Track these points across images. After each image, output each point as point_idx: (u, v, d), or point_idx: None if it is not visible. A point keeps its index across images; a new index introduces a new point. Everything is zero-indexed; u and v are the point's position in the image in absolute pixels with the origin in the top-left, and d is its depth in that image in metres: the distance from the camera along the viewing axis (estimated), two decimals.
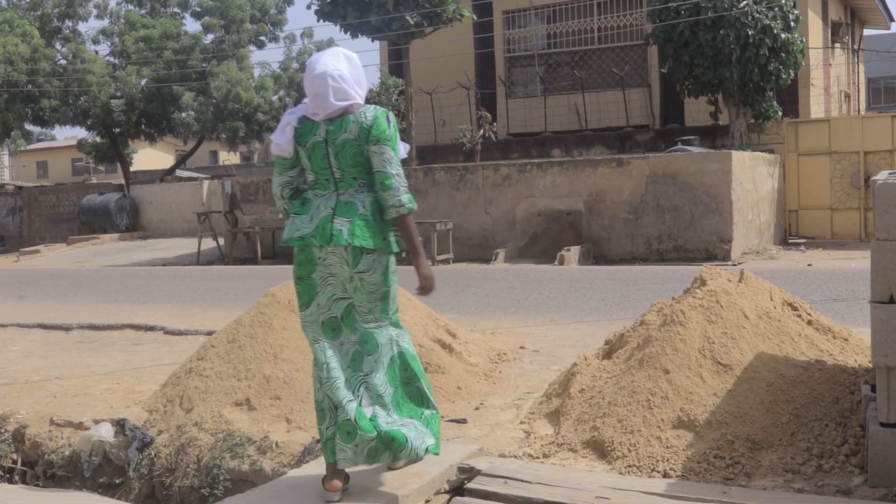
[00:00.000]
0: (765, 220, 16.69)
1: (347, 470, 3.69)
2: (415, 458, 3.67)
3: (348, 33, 20.21)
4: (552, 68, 23.24)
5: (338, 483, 3.60)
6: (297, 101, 29.80)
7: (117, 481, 5.08)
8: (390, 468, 3.85)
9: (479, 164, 17.61)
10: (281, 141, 3.67)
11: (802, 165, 17.97)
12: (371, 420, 3.54)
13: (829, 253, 15.19)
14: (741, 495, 3.59)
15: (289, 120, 3.69)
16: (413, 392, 3.68)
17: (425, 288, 3.72)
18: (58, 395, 6.02)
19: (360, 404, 3.55)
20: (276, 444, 4.70)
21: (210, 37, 28.93)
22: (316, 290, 3.68)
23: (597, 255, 15.54)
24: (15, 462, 5.47)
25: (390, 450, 3.56)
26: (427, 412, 3.70)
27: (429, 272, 3.71)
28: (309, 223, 3.64)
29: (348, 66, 3.63)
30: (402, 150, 3.72)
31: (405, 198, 3.60)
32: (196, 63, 27.44)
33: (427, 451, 3.64)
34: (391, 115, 3.66)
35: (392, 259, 3.69)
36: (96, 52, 29.20)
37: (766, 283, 4.96)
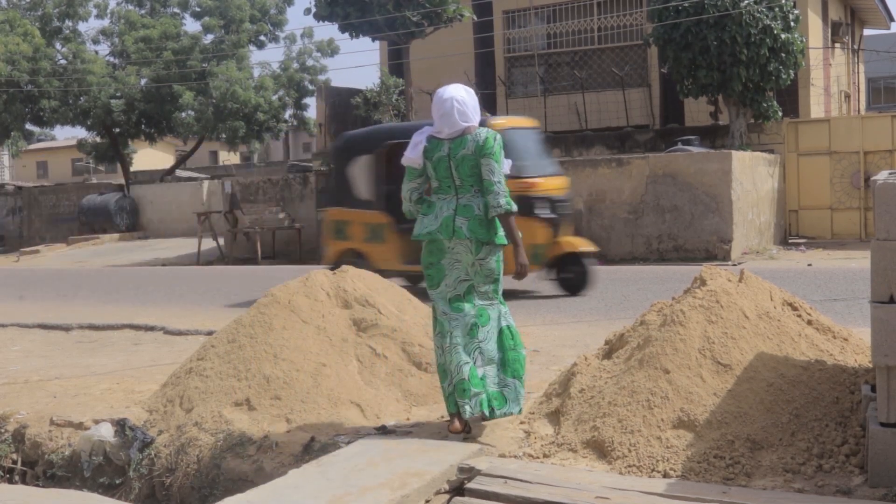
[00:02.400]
0: (765, 220, 16.69)
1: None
2: (506, 415, 4.57)
3: (347, 33, 20.22)
4: (552, 68, 23.24)
5: (458, 426, 4.48)
6: (297, 101, 29.85)
7: (117, 481, 5.08)
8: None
9: None
10: (413, 156, 4.58)
11: (802, 165, 17.96)
12: (482, 379, 4.46)
13: (829, 253, 15.19)
14: (741, 495, 3.59)
15: (420, 139, 4.60)
16: (517, 357, 4.60)
17: (521, 274, 4.63)
18: (58, 395, 6.01)
19: (475, 365, 4.45)
20: (276, 444, 4.70)
21: (210, 37, 28.92)
22: (444, 273, 4.54)
23: (597, 255, 15.54)
24: (15, 462, 5.46)
25: (493, 405, 4.47)
26: (522, 378, 4.64)
27: (525, 261, 4.63)
28: (434, 221, 4.52)
29: (468, 96, 4.57)
30: (506, 166, 4.60)
31: (503, 200, 4.44)
32: (196, 63, 27.43)
33: (519, 412, 4.61)
34: (498, 137, 4.57)
35: (501, 252, 4.59)
36: (96, 52, 29.19)
37: (766, 283, 4.95)
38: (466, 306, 4.49)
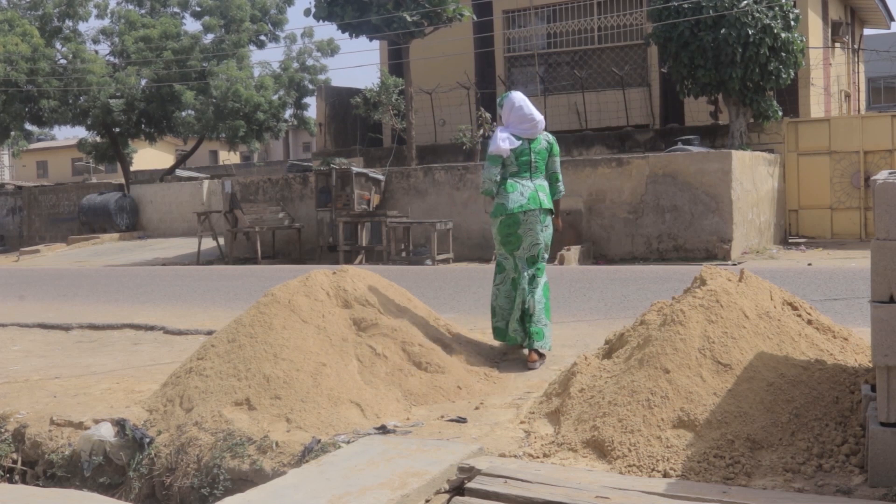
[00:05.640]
0: (765, 219, 16.68)
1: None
2: (542, 349, 6.16)
3: (346, 33, 20.23)
4: (552, 68, 23.24)
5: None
6: (297, 101, 29.87)
7: (117, 481, 5.08)
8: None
9: (479, 163, 17.60)
10: (505, 146, 6.08)
11: (802, 165, 17.96)
12: (529, 318, 6.06)
13: (829, 252, 15.19)
14: (741, 495, 3.59)
15: (506, 136, 6.11)
16: (548, 305, 6.32)
17: (558, 230, 6.42)
18: (58, 395, 6.01)
19: (528, 307, 6.05)
20: (276, 444, 4.69)
21: (210, 36, 28.92)
22: (521, 239, 6.09)
23: (597, 255, 15.54)
24: (15, 462, 5.46)
25: (536, 338, 6.06)
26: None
27: (560, 223, 6.47)
28: (521, 197, 6.08)
29: (536, 109, 6.24)
30: None
31: (563, 187, 6.45)
32: (196, 63, 27.43)
33: (549, 348, 6.24)
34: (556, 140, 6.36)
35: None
36: (96, 52, 29.17)
37: (766, 282, 4.95)
38: (538, 262, 6.15)
